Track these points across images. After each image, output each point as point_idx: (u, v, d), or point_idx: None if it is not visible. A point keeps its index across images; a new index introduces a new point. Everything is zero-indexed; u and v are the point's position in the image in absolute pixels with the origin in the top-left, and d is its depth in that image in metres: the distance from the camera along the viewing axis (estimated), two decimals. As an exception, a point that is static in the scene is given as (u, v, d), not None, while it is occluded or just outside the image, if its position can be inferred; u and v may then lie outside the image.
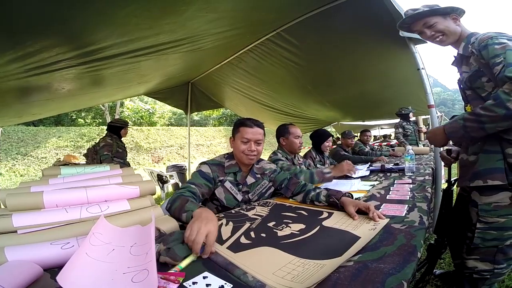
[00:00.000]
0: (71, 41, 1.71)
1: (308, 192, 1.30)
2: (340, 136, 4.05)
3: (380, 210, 1.09)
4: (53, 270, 0.63)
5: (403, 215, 1.01)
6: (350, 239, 0.77)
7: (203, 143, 15.52)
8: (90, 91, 3.21)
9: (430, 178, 1.80)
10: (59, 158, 7.21)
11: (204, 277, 0.59)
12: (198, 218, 0.76)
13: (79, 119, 15.05)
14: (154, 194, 0.97)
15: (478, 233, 1.21)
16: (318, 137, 2.79)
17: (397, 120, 5.02)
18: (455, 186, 1.50)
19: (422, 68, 2.26)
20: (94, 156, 3.39)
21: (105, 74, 2.57)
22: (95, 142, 3.54)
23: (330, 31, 2.55)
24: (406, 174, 1.97)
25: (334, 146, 3.92)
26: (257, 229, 0.91)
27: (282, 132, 2.22)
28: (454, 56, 1.33)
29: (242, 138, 1.37)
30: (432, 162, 2.56)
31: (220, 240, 0.80)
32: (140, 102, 16.99)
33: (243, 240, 0.81)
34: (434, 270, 1.69)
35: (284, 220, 1.00)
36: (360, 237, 0.77)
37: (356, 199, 1.29)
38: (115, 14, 1.52)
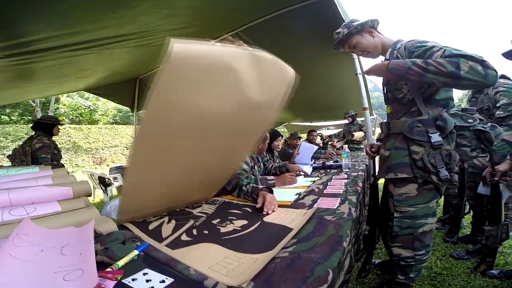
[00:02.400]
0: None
1: (240, 187, 1.38)
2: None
3: (317, 203, 1.20)
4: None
5: (335, 207, 1.12)
6: (284, 232, 0.82)
7: (153, 143, 14.71)
8: (16, 86, 2.84)
9: (363, 173, 2.02)
10: (-24, 161, 6.19)
11: (144, 274, 0.59)
12: None
13: (2, 116, 13.03)
14: (90, 195, 0.92)
15: (396, 221, 1.35)
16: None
17: (342, 122, 5.47)
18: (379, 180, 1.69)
19: (360, 73, 2.48)
20: (23, 158, 2.95)
21: (36, 68, 2.30)
22: (23, 142, 3.12)
23: (284, 34, 2.64)
24: (344, 170, 2.18)
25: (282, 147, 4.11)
26: (200, 226, 0.93)
27: None
28: (382, 61, 1.42)
29: None
30: (366, 159, 2.86)
31: (159, 239, 0.80)
32: (80, 98, 15.31)
33: (184, 237, 0.82)
34: (374, 260, 1.80)
35: (229, 217, 1.03)
36: (292, 229, 0.84)
37: (297, 194, 1.41)
38: (55, 6, 1.40)
